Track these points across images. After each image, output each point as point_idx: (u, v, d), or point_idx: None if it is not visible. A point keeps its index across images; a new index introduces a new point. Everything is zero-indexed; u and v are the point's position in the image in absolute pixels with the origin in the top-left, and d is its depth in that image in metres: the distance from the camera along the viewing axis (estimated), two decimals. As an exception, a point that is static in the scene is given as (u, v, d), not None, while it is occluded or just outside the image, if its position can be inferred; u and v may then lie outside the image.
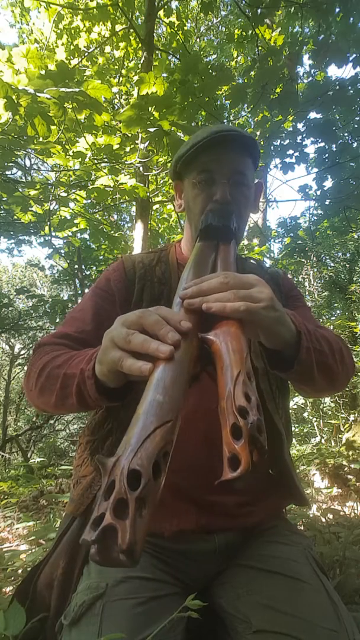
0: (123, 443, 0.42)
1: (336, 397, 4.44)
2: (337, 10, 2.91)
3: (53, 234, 4.03)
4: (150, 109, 2.61)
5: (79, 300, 0.96)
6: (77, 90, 2.16)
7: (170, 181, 1.00)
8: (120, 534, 0.34)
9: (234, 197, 0.82)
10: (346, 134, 3.57)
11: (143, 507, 0.37)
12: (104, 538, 0.35)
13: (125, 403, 0.80)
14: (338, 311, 7.38)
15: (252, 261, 1.04)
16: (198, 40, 7.60)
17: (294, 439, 4.15)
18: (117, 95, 4.96)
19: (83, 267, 5.56)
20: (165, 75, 3.18)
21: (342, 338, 0.86)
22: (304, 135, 3.33)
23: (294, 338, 0.66)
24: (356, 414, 4.19)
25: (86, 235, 4.51)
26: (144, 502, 0.37)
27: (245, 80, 3.27)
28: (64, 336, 0.83)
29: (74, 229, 3.95)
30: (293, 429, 4.63)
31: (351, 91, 2.97)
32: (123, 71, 4.83)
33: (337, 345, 0.78)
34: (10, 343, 9.57)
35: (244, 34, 3.98)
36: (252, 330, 0.61)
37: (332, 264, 7.71)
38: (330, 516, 1.77)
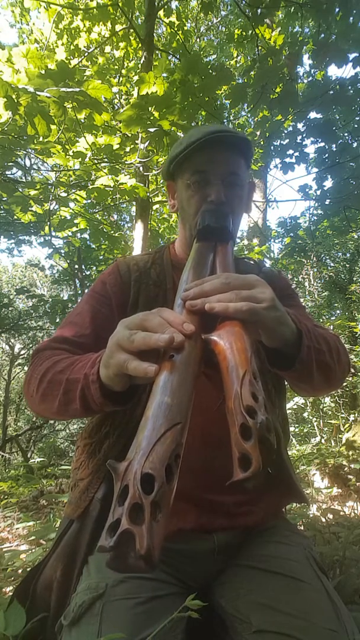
0: (133, 447, 0.42)
1: (336, 397, 4.44)
2: (337, 10, 2.90)
3: (53, 234, 4.04)
4: (150, 108, 2.61)
5: (77, 302, 0.95)
6: (77, 90, 2.16)
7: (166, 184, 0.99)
8: (137, 539, 0.34)
9: (228, 197, 0.82)
10: (346, 134, 3.57)
11: (158, 511, 0.36)
12: (121, 544, 0.35)
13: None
14: (338, 311, 7.39)
15: (247, 260, 1.04)
16: (198, 40, 7.60)
17: (293, 439, 4.15)
18: (117, 95, 4.96)
19: (83, 267, 5.56)
20: (165, 75, 3.18)
21: (337, 336, 0.86)
22: (304, 135, 3.33)
23: (295, 337, 0.66)
24: (356, 414, 4.19)
25: (86, 235, 4.51)
26: (158, 506, 0.37)
27: (245, 80, 3.27)
28: (63, 340, 0.82)
29: (74, 229, 3.95)
30: (293, 429, 4.61)
31: (351, 91, 2.97)
32: (123, 71, 4.83)
33: (334, 344, 0.78)
34: (10, 343, 9.58)
35: (244, 34, 3.98)
36: (254, 331, 0.61)
37: (332, 264, 7.72)
38: (330, 516, 1.77)
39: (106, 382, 0.60)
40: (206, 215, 0.80)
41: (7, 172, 3.22)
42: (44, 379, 0.72)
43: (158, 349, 0.51)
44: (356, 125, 3.52)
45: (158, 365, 0.49)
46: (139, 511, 0.36)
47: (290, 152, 3.40)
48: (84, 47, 4.53)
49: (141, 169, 3.26)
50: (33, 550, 1.51)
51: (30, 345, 8.65)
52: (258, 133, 3.56)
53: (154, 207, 5.12)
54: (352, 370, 5.47)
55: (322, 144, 3.41)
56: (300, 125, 3.39)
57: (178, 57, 3.97)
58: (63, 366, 0.71)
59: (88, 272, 5.69)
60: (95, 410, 0.66)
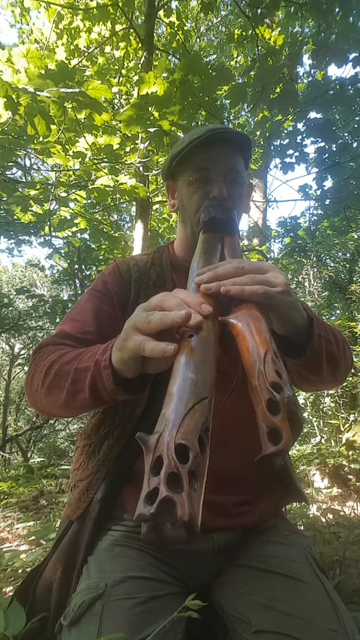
0: (161, 420, 0.41)
1: (336, 397, 4.44)
2: (337, 10, 2.90)
3: (53, 234, 4.03)
4: (150, 108, 2.61)
5: (77, 301, 0.95)
6: (77, 90, 2.16)
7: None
8: (179, 506, 0.33)
9: (229, 194, 0.82)
10: (346, 134, 3.57)
11: (195, 480, 0.36)
12: (160, 512, 0.34)
13: (119, 407, 0.80)
14: (338, 311, 7.38)
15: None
16: (198, 40, 7.59)
17: (294, 439, 4.15)
18: (117, 95, 4.96)
19: (83, 267, 5.56)
20: (165, 75, 3.18)
21: (341, 332, 0.86)
22: (304, 135, 3.33)
23: (306, 324, 0.66)
24: (356, 414, 4.18)
25: (86, 235, 4.51)
26: (195, 475, 0.36)
27: (245, 80, 3.27)
28: (66, 336, 0.81)
29: (74, 229, 3.95)
30: (293, 428, 4.62)
31: (351, 91, 2.97)
32: (123, 71, 4.83)
33: (340, 338, 0.79)
34: (10, 343, 9.57)
35: (244, 34, 3.98)
36: (266, 315, 0.60)
37: (332, 264, 7.71)
38: (330, 516, 1.77)
39: (118, 366, 0.59)
40: (210, 209, 0.80)
41: (7, 172, 3.22)
42: (50, 371, 0.71)
43: (176, 327, 0.50)
44: (356, 125, 3.52)
45: (177, 345, 0.49)
46: (176, 480, 0.35)
47: (290, 152, 3.40)
48: (84, 47, 4.53)
49: (141, 169, 3.26)
50: (33, 550, 1.51)
51: (30, 345, 8.65)
52: (258, 133, 3.56)
53: (154, 207, 5.11)
54: (352, 370, 5.47)
55: (322, 144, 3.41)
56: (300, 125, 3.39)
57: (178, 57, 3.97)
58: (70, 357, 0.70)
59: (88, 272, 5.69)
60: (105, 400, 0.65)
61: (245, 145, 0.85)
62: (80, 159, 3.09)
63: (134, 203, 3.78)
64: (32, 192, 3.27)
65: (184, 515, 0.33)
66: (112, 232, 4.86)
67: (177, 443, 0.37)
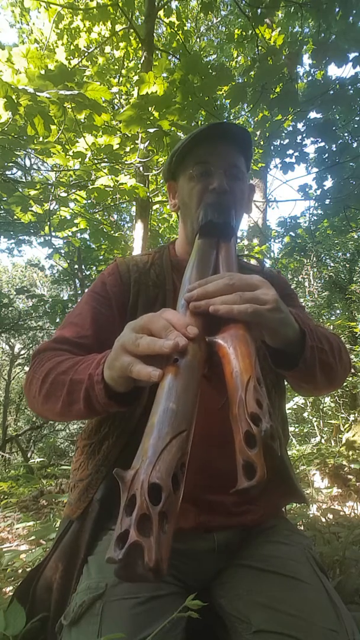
0: (139, 454, 0.42)
1: (336, 397, 4.44)
2: (337, 10, 2.90)
3: (53, 234, 4.03)
4: (150, 108, 2.60)
5: (77, 302, 0.95)
6: (76, 92, 2.16)
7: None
8: (146, 552, 0.34)
9: (230, 187, 0.82)
10: (346, 134, 3.57)
11: (165, 522, 0.37)
12: (129, 556, 0.35)
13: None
14: (338, 311, 7.38)
15: (246, 261, 1.04)
16: (198, 40, 7.60)
17: (294, 439, 4.15)
18: (117, 95, 4.96)
19: (83, 267, 5.57)
20: (165, 75, 3.18)
21: (338, 336, 0.86)
22: (304, 135, 3.33)
23: (298, 337, 0.66)
24: (356, 414, 4.18)
25: (86, 235, 4.51)
26: (166, 516, 0.37)
27: (245, 80, 3.27)
28: (64, 341, 0.81)
29: (74, 229, 3.95)
30: (293, 429, 4.60)
31: (351, 91, 2.97)
32: (123, 71, 4.83)
33: (335, 344, 0.79)
34: (10, 343, 9.58)
35: (244, 34, 3.98)
36: (257, 331, 0.61)
37: (332, 264, 7.71)
38: (330, 516, 1.77)
39: (110, 383, 0.60)
40: (208, 210, 0.80)
41: (7, 172, 3.22)
42: (47, 379, 0.72)
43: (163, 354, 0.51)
44: (356, 125, 3.52)
45: (162, 370, 0.49)
46: (147, 522, 0.36)
47: (290, 152, 3.40)
48: (84, 47, 4.52)
49: (141, 169, 3.26)
50: (33, 550, 1.51)
51: (30, 345, 8.65)
52: (258, 133, 3.56)
53: (154, 207, 5.11)
54: (352, 370, 5.47)
55: (322, 144, 3.42)
56: (300, 125, 3.40)
57: (178, 57, 3.97)
58: (66, 367, 0.71)
59: (88, 272, 5.69)
60: (99, 411, 0.66)
61: (246, 142, 0.85)
62: (80, 159, 3.09)
63: (134, 203, 3.78)
64: (32, 192, 3.27)
65: (150, 561, 0.34)
66: (112, 232, 4.86)
67: (151, 483, 0.38)
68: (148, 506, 0.36)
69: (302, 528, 1.66)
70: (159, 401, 0.47)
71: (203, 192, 0.83)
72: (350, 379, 5.17)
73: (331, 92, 2.96)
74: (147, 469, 0.39)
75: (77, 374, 0.67)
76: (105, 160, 3.15)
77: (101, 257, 5.42)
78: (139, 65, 3.91)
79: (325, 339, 0.75)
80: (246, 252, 5.36)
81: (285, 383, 0.91)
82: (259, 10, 3.23)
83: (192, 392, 0.48)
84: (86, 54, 4.50)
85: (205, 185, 0.83)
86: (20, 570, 1.40)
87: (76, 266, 5.51)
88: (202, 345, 0.54)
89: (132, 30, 3.81)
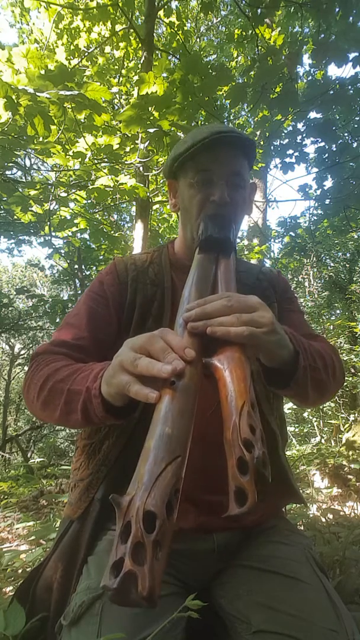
0: (135, 480, 0.43)
1: (336, 397, 4.44)
2: (337, 10, 2.90)
3: (53, 234, 4.03)
4: (150, 108, 2.60)
5: (76, 302, 0.96)
6: (76, 93, 2.16)
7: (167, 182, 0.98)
8: (140, 581, 0.36)
9: (231, 198, 0.82)
10: (346, 134, 3.57)
11: (159, 550, 0.38)
12: (124, 584, 0.36)
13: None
14: (338, 311, 7.39)
15: (246, 261, 1.04)
16: (198, 40, 7.60)
17: (294, 439, 4.15)
18: (117, 95, 4.95)
19: (83, 267, 5.57)
20: (165, 75, 3.18)
21: (334, 348, 0.87)
22: (304, 135, 3.33)
23: (292, 357, 0.68)
24: (356, 414, 4.18)
25: (86, 235, 4.51)
26: (159, 544, 0.38)
27: (245, 80, 3.27)
28: (62, 344, 0.82)
29: (74, 229, 3.95)
30: (293, 429, 4.59)
31: (351, 91, 2.97)
32: (123, 71, 4.83)
33: (329, 360, 0.80)
34: (10, 343, 9.58)
35: (244, 34, 3.98)
36: (253, 351, 0.62)
37: (332, 264, 7.71)
38: (330, 516, 1.77)
39: (107, 397, 0.61)
40: (209, 224, 0.79)
41: (7, 172, 3.22)
42: (45, 386, 0.72)
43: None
44: (356, 125, 3.52)
45: (159, 393, 0.50)
46: (141, 550, 0.37)
47: (290, 152, 3.40)
48: (84, 47, 4.52)
49: (141, 169, 3.26)
50: (33, 550, 1.51)
51: (30, 345, 8.66)
52: (258, 133, 3.56)
53: (154, 207, 5.12)
54: (352, 370, 5.47)
55: (322, 144, 3.41)
56: (300, 125, 3.40)
57: (178, 57, 3.97)
58: (63, 375, 0.71)
59: (88, 272, 5.69)
60: (96, 423, 0.67)
61: (249, 147, 0.84)
62: (80, 159, 3.09)
63: (134, 203, 3.79)
64: (32, 192, 3.27)
65: (144, 590, 0.35)
66: (112, 232, 4.86)
67: (146, 510, 0.39)
68: (142, 534, 0.37)
69: (302, 528, 1.66)
70: (155, 425, 0.48)
71: (203, 202, 0.82)
72: (350, 379, 5.18)
73: (331, 92, 2.96)
74: (142, 495, 0.40)
75: (74, 384, 0.68)
76: (105, 160, 3.15)
77: (101, 257, 5.42)
78: (139, 65, 3.91)
79: (319, 356, 0.76)
80: (246, 252, 5.36)
81: None
82: (259, 10, 3.23)
83: (188, 416, 0.49)
84: (86, 54, 4.50)
85: (206, 196, 0.82)
86: (20, 570, 1.40)
87: (76, 266, 5.51)
88: (198, 367, 0.55)
89: (132, 30, 3.81)
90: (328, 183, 3.67)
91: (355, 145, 3.47)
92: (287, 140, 3.38)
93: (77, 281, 5.59)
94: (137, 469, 0.44)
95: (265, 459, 0.45)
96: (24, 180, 4.08)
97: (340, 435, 3.71)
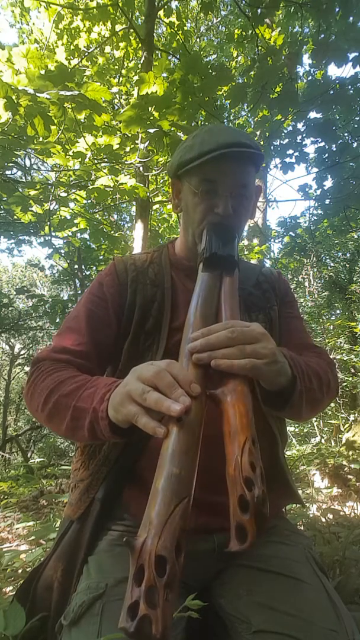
0: (145, 523, 0.46)
1: (336, 397, 4.44)
2: (337, 10, 2.90)
3: (53, 234, 4.03)
4: (150, 109, 2.60)
5: (76, 303, 0.96)
6: (76, 93, 2.16)
7: (169, 181, 0.97)
8: (154, 623, 0.39)
9: (235, 209, 0.81)
10: (346, 134, 3.58)
11: (169, 592, 0.42)
12: (140, 626, 0.40)
13: None
14: (338, 311, 7.39)
15: (245, 261, 1.04)
16: (198, 40, 7.59)
17: (294, 439, 4.15)
18: (117, 95, 4.95)
19: (83, 267, 5.57)
20: (165, 75, 3.18)
21: (330, 361, 0.88)
22: (304, 135, 3.33)
23: (290, 382, 0.70)
24: (356, 414, 4.18)
25: (86, 235, 4.51)
26: (170, 586, 0.42)
27: (245, 80, 3.27)
28: (63, 350, 0.82)
29: (74, 229, 3.95)
30: (293, 429, 4.58)
31: (351, 91, 2.97)
32: (123, 71, 4.83)
33: (325, 377, 0.81)
34: (10, 343, 9.58)
35: (244, 34, 3.98)
36: (253, 380, 0.65)
37: (332, 264, 7.72)
38: (330, 516, 1.77)
39: (114, 421, 0.62)
40: (213, 238, 0.79)
41: (7, 172, 3.22)
42: (49, 399, 0.72)
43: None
44: (356, 125, 3.53)
45: (166, 428, 0.53)
46: (154, 593, 0.41)
47: (290, 152, 3.40)
48: (84, 47, 4.52)
49: (141, 169, 3.26)
50: (33, 550, 1.51)
51: (30, 345, 8.66)
52: (258, 133, 3.56)
53: (154, 207, 5.12)
54: (352, 370, 5.47)
55: (322, 144, 3.41)
56: (300, 125, 3.40)
57: (178, 57, 3.97)
58: (68, 390, 0.71)
59: (88, 272, 5.69)
60: (103, 440, 0.70)
61: (257, 157, 0.82)
62: (80, 159, 3.09)
63: (134, 203, 3.78)
64: (32, 192, 3.27)
65: (157, 633, 0.39)
66: (112, 232, 4.86)
67: (157, 555, 0.42)
68: (155, 578, 0.41)
69: (302, 528, 1.66)
70: (162, 465, 0.50)
71: (207, 212, 0.82)
72: (350, 379, 5.18)
73: (331, 92, 2.96)
74: (153, 539, 0.44)
75: (80, 401, 0.68)
76: (105, 160, 3.15)
77: (101, 257, 5.42)
78: (139, 65, 3.91)
79: (315, 375, 0.77)
80: (246, 252, 5.36)
81: None
82: (259, 10, 3.22)
83: (193, 453, 0.53)
84: (86, 54, 4.50)
85: (210, 206, 0.81)
86: (20, 570, 1.40)
87: (76, 266, 5.51)
88: (202, 400, 0.58)
89: (132, 30, 3.81)
90: (328, 183, 3.68)
91: (355, 145, 3.47)
92: (287, 140, 3.38)
93: (77, 281, 5.59)
94: (146, 511, 0.47)
95: (265, 497, 0.48)
96: (24, 180, 4.08)
97: (340, 435, 3.71)
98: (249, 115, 5.04)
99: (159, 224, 5.90)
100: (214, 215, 0.81)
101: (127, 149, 3.17)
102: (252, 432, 0.53)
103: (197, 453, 0.54)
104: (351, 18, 2.92)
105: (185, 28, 5.12)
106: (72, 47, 4.48)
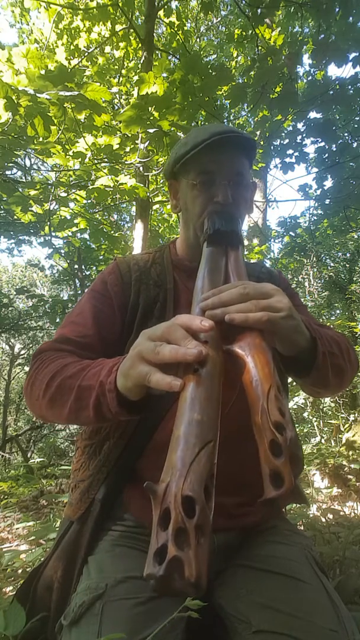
0: (167, 468, 0.42)
1: (336, 397, 4.44)
2: (337, 10, 2.90)
3: (53, 234, 4.03)
4: (150, 109, 2.60)
5: (77, 301, 0.95)
6: (76, 93, 2.16)
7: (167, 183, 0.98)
8: (186, 566, 0.34)
9: (234, 198, 0.81)
10: (346, 134, 3.58)
11: (201, 534, 0.36)
12: (169, 571, 0.35)
13: None
14: (338, 311, 7.38)
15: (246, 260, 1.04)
16: (198, 40, 7.60)
17: (294, 439, 4.14)
18: (117, 95, 4.95)
19: (83, 267, 5.57)
20: (165, 75, 3.18)
21: (344, 336, 0.87)
22: (304, 135, 3.33)
23: (309, 344, 0.67)
24: (356, 414, 4.18)
25: (86, 235, 4.51)
26: (201, 529, 0.37)
27: (245, 80, 3.27)
28: (66, 341, 0.80)
29: (74, 229, 3.95)
30: (293, 428, 4.60)
31: (351, 91, 2.97)
32: (123, 71, 4.83)
33: (344, 345, 0.80)
34: (10, 343, 9.58)
35: (244, 34, 3.98)
36: (271, 339, 0.61)
37: (332, 264, 7.71)
38: (330, 516, 1.77)
39: (123, 391, 0.60)
40: (215, 219, 0.79)
41: (7, 172, 3.22)
42: (52, 383, 0.70)
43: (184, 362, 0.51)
44: (356, 125, 3.53)
45: (182, 380, 0.49)
46: (184, 535, 0.36)
47: (290, 152, 3.40)
48: (84, 47, 4.52)
49: (141, 169, 3.26)
50: (33, 550, 1.51)
51: (30, 345, 8.66)
52: (258, 133, 3.56)
53: (154, 207, 5.12)
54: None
55: (322, 144, 3.42)
56: (300, 125, 3.40)
57: (178, 57, 3.97)
58: (73, 371, 0.69)
59: (88, 272, 5.70)
60: (108, 419, 0.66)
61: (249, 146, 0.84)
62: (80, 159, 3.09)
63: (134, 203, 3.79)
64: (32, 192, 3.27)
65: (191, 576, 0.34)
66: (112, 232, 4.86)
67: (184, 495, 0.38)
68: (184, 519, 0.36)
69: (302, 528, 1.66)
70: (182, 413, 0.46)
71: (206, 203, 0.82)
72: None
73: (331, 92, 2.96)
74: (178, 481, 0.39)
75: (85, 379, 0.66)
76: (105, 160, 3.15)
77: (101, 257, 5.42)
78: (139, 65, 3.91)
79: (334, 342, 0.75)
80: (246, 252, 5.36)
81: (288, 383, 0.92)
82: (259, 10, 3.22)
83: (215, 401, 0.48)
84: (86, 54, 4.50)
85: (209, 196, 0.82)
86: (20, 570, 1.40)
87: (76, 266, 5.51)
88: (220, 353, 0.54)
89: (132, 30, 3.81)
90: (328, 183, 3.68)
91: (355, 145, 3.47)
92: (287, 140, 3.38)
93: (77, 281, 5.59)
94: (167, 457, 0.43)
95: (297, 440, 0.45)
96: (24, 180, 4.08)
97: (340, 435, 3.71)
98: (249, 115, 5.05)
99: (159, 224, 5.90)
100: (214, 204, 0.81)
101: (127, 149, 3.17)
102: (276, 380, 0.50)
103: (219, 404, 0.49)
104: (351, 18, 2.93)
105: (185, 28, 5.11)
106: (72, 47, 4.49)
